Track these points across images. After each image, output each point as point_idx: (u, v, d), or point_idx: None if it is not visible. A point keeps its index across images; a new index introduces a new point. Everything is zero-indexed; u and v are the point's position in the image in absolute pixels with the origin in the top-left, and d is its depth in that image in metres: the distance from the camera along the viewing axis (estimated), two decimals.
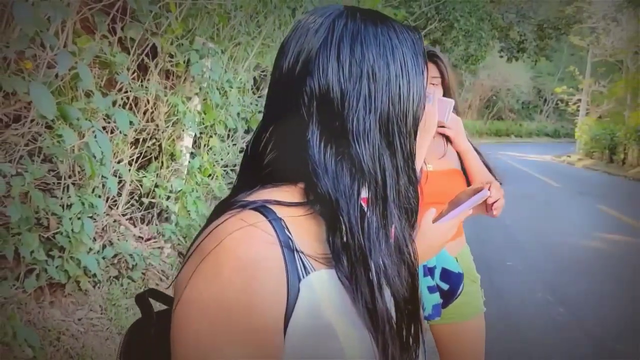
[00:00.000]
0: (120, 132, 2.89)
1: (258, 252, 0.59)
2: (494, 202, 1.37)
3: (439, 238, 1.13)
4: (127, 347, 0.78)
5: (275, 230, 0.61)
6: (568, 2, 20.71)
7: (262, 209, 0.63)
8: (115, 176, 2.98)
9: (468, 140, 1.84)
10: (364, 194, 0.65)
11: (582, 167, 19.30)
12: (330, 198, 0.63)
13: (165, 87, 3.35)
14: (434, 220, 1.15)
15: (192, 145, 3.73)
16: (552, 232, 7.41)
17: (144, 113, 3.24)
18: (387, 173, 0.65)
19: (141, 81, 3.13)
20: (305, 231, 0.65)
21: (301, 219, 0.65)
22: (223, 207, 0.65)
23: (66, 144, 2.37)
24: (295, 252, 0.62)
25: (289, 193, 0.67)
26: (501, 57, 16.67)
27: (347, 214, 0.63)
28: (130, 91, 3.00)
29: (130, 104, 3.11)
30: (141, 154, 3.32)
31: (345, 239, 0.63)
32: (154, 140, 3.39)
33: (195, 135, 3.73)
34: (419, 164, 0.72)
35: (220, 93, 3.66)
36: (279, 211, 0.63)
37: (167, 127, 3.37)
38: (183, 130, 3.50)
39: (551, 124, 39.45)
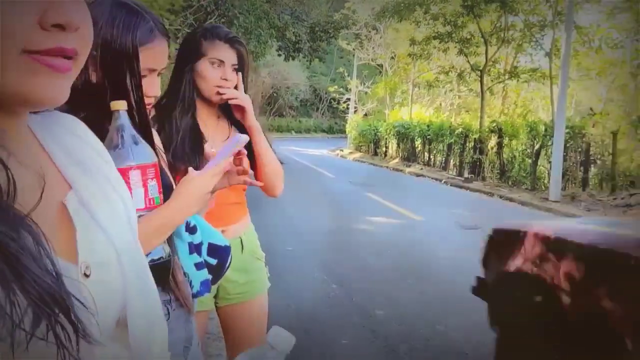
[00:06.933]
0: None
1: None
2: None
3: (200, 188, 1.13)
4: None
5: None
6: (336, 8, 22.71)
7: None
8: None
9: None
10: None
11: (353, 159, 21.42)
12: None
13: None
14: None
15: None
16: (328, 218, 8.06)
17: None
18: None
19: None
20: None
21: None
22: None
23: None
24: None
25: None
26: (279, 55, 17.49)
27: None
28: None
29: None
30: None
31: None
32: None
33: None
34: None
35: None
36: None
37: None
38: None
39: (326, 120, 42.87)
